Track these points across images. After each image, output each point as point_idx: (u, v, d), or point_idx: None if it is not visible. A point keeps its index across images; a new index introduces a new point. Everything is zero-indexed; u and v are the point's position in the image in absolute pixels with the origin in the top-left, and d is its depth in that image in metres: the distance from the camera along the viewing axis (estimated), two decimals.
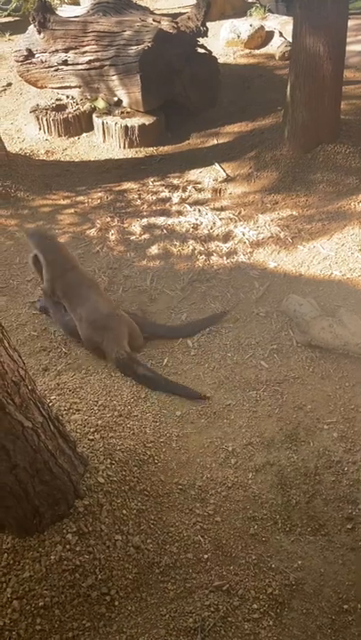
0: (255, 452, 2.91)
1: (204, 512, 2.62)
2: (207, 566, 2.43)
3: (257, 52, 7.26)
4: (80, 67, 5.94)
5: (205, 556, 2.46)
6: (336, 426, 3.02)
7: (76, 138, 5.96)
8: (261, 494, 2.71)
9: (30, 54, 6.20)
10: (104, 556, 2.34)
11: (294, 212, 4.67)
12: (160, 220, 4.66)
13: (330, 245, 4.28)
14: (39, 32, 6.06)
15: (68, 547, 2.31)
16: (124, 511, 2.48)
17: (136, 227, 4.62)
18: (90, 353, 3.51)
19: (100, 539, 2.36)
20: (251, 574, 2.42)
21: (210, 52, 6.09)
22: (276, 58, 7.00)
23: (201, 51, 6.03)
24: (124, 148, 5.75)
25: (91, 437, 2.75)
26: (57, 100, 6.23)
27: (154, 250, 4.37)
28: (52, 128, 5.93)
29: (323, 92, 4.77)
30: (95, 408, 3.03)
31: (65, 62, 6.01)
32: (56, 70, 6.13)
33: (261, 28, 7.35)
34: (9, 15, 8.43)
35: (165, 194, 5.03)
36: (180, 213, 4.77)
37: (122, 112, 5.84)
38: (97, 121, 5.81)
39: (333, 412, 3.10)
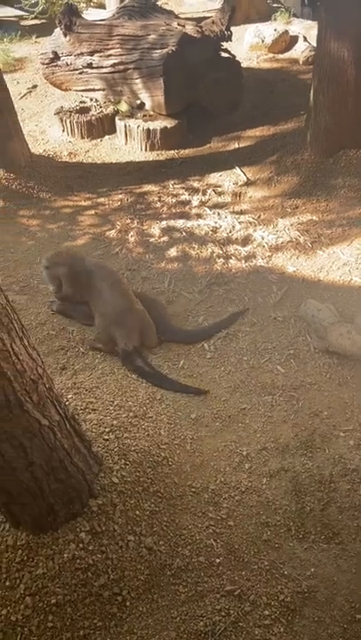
0: (270, 457, 2.90)
1: (218, 516, 2.61)
2: (219, 570, 2.43)
3: (281, 56, 7.24)
4: (104, 70, 5.99)
5: (217, 560, 2.45)
6: (353, 433, 2.99)
7: (99, 140, 6.01)
8: (275, 500, 2.69)
9: (56, 57, 6.28)
10: (116, 556, 2.35)
11: (314, 217, 4.64)
12: (179, 223, 4.68)
13: (350, 251, 4.25)
14: (65, 35, 6.13)
15: (81, 545, 2.32)
16: (138, 512, 2.49)
17: (155, 229, 4.64)
18: (103, 347, 3.55)
19: (112, 538, 2.38)
20: (263, 580, 2.40)
21: (233, 56, 6.10)
22: (300, 62, 6.97)
23: (224, 55, 6.04)
24: (146, 150, 5.78)
25: (106, 437, 2.77)
26: (81, 102, 6.29)
27: (172, 252, 4.39)
28: (76, 130, 5.99)
29: (346, 97, 4.74)
30: (111, 408, 3.05)
31: (90, 65, 6.07)
32: (81, 73, 6.20)
33: (286, 32, 7.33)
34: (35, 18, 8.54)
35: (185, 197, 5.04)
36: (199, 216, 4.77)
37: (144, 115, 5.88)
38: (119, 124, 5.85)
39: (350, 420, 3.07)
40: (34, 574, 2.28)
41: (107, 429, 2.82)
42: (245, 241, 4.45)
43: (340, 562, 2.47)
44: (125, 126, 5.77)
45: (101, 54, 5.97)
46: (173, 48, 5.50)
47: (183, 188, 5.19)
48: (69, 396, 3.11)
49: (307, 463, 2.86)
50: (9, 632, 2.21)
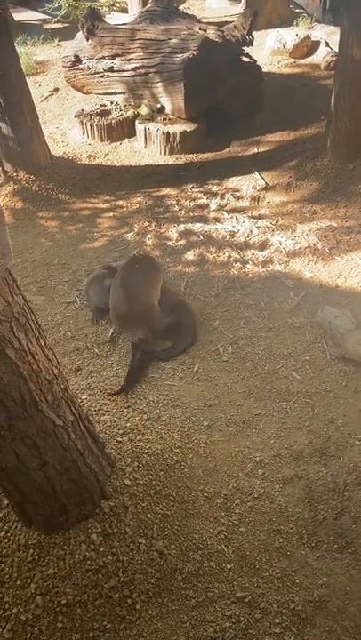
0: (283, 463, 2.88)
1: (229, 521, 2.60)
2: (230, 576, 2.41)
3: (302, 61, 7.23)
4: (125, 73, 6.03)
5: (228, 566, 2.44)
6: None
7: (119, 143, 6.05)
8: (288, 507, 2.67)
9: (78, 60, 6.34)
10: (127, 559, 2.34)
11: (333, 223, 4.61)
12: (197, 227, 4.68)
13: None
14: (87, 39, 6.19)
15: (92, 547, 2.33)
16: (149, 515, 2.49)
17: (173, 232, 4.64)
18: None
19: (123, 541, 2.38)
20: (274, 588, 2.38)
21: (254, 61, 6.10)
22: (321, 68, 6.95)
23: (246, 59, 6.04)
24: (165, 154, 5.80)
25: (119, 439, 2.77)
26: (101, 105, 6.34)
27: (189, 256, 4.39)
28: (96, 133, 6.04)
29: None
30: (125, 410, 3.06)
31: (111, 69, 6.11)
32: (102, 76, 6.25)
33: (307, 37, 7.31)
34: (58, 21, 8.63)
35: (203, 200, 5.04)
36: (217, 220, 4.77)
37: (164, 119, 5.90)
38: (139, 127, 5.88)
39: None
40: (45, 574, 2.29)
41: (120, 431, 2.83)
42: (263, 246, 4.43)
43: (352, 572, 2.44)
44: (145, 129, 5.80)
45: (123, 58, 6.01)
46: (195, 52, 5.51)
47: (202, 191, 5.20)
48: (84, 397, 3.13)
49: (321, 471, 2.83)
50: (19, 631, 2.21)
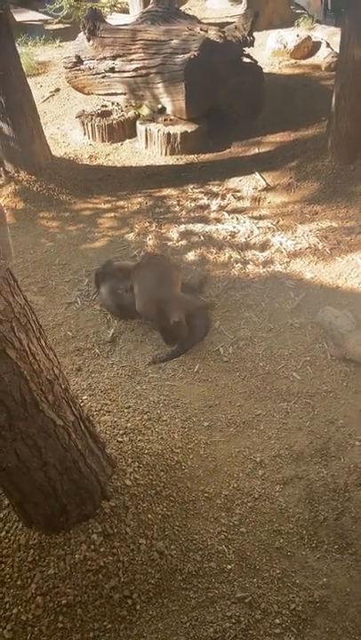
0: (284, 464, 2.88)
1: (230, 522, 2.60)
2: (230, 577, 2.41)
3: (303, 62, 7.23)
4: (126, 74, 6.03)
5: (229, 567, 2.44)
6: None
7: (119, 144, 6.05)
8: (288, 508, 2.67)
9: (79, 61, 6.34)
10: (127, 559, 2.35)
11: (334, 224, 4.61)
12: (198, 227, 4.68)
13: None
14: (88, 39, 6.19)
15: (92, 547, 2.33)
16: (150, 515, 2.49)
17: (174, 232, 4.65)
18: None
19: (124, 541, 2.38)
20: (274, 588, 2.38)
21: (255, 62, 6.10)
22: (322, 68, 6.94)
23: (246, 60, 6.04)
24: (166, 154, 5.80)
25: (120, 439, 2.77)
26: (102, 106, 6.35)
27: (190, 256, 4.39)
28: (97, 133, 6.04)
29: None
30: (125, 410, 3.06)
31: (112, 69, 6.12)
32: (103, 77, 6.25)
33: (308, 38, 7.31)
34: (60, 22, 8.63)
35: (204, 201, 5.05)
36: (218, 221, 4.77)
37: (165, 119, 5.90)
38: (140, 127, 5.88)
39: None
40: (45, 574, 2.29)
41: (121, 432, 2.83)
42: (264, 246, 4.43)
43: (353, 572, 2.44)
44: (146, 130, 5.81)
45: (124, 59, 6.01)
46: (196, 53, 5.51)
47: (202, 192, 5.20)
48: (84, 398, 3.13)
49: (321, 471, 2.83)
50: (19, 631, 2.22)
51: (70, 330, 3.79)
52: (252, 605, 2.32)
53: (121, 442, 2.76)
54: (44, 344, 2.08)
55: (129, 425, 2.90)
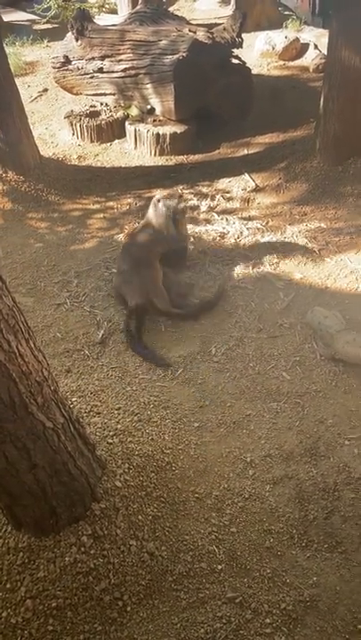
0: (274, 464, 2.89)
1: (220, 522, 2.60)
2: (221, 577, 2.41)
3: (291, 63, 7.26)
4: (115, 74, 6.02)
5: (219, 567, 2.44)
6: (357, 442, 2.98)
7: (108, 144, 6.04)
8: (278, 507, 2.68)
9: (67, 61, 6.32)
10: (118, 561, 2.34)
11: (323, 225, 4.64)
12: (188, 228, 4.67)
13: (358, 259, 4.24)
14: (77, 39, 6.17)
15: (82, 549, 2.32)
16: (140, 517, 2.48)
17: None
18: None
19: (114, 543, 2.37)
20: (265, 588, 2.39)
21: (244, 63, 6.11)
22: (310, 70, 6.98)
23: (235, 61, 6.06)
24: (155, 155, 5.80)
25: (110, 441, 2.77)
26: (91, 106, 6.32)
27: None
28: (85, 134, 6.02)
29: (356, 105, 4.74)
30: (115, 412, 3.05)
31: (100, 70, 6.10)
32: (91, 77, 6.23)
33: (296, 39, 7.34)
34: (48, 22, 8.60)
35: (194, 202, 5.05)
36: (207, 222, 4.78)
37: (154, 120, 5.90)
38: (129, 128, 5.87)
39: (355, 428, 3.06)
40: (35, 577, 2.27)
41: (111, 433, 2.82)
42: (253, 247, 4.44)
43: (342, 571, 2.45)
44: (135, 131, 5.80)
45: (112, 59, 6.00)
46: (184, 54, 5.52)
47: (192, 193, 5.20)
48: (74, 399, 3.11)
49: (311, 471, 2.84)
50: (9, 635, 2.20)
51: (59, 331, 3.78)
52: (243, 605, 2.33)
53: (111, 443, 2.75)
54: (32, 345, 2.06)
55: (119, 426, 2.89)
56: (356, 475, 2.80)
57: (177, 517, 2.58)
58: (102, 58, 6.06)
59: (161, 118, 5.90)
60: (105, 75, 6.11)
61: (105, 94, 6.29)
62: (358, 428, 3.06)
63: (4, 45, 5.27)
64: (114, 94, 6.21)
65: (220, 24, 6.21)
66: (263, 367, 3.45)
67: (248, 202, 5.04)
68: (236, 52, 6.01)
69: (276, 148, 5.59)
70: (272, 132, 5.84)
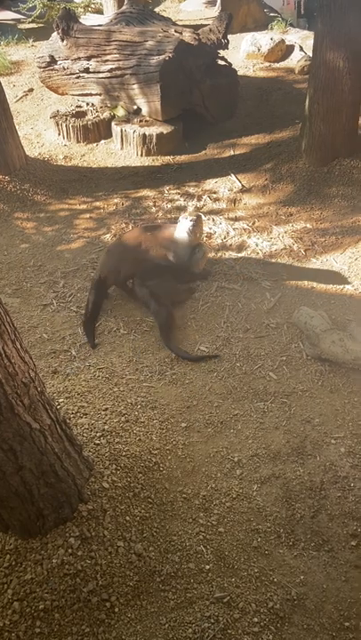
0: (261, 463, 2.90)
1: (208, 522, 2.60)
2: (208, 577, 2.42)
3: (277, 65, 7.31)
4: (101, 75, 6.01)
5: (207, 567, 2.44)
6: (344, 441, 3.00)
7: (95, 144, 6.02)
8: (266, 507, 2.69)
9: (53, 61, 6.29)
10: (106, 562, 2.33)
11: (308, 225, 4.67)
12: None
13: (343, 259, 4.28)
14: (62, 39, 6.15)
15: (70, 551, 2.31)
16: (128, 518, 2.48)
17: None
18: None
19: (102, 544, 2.36)
20: (252, 587, 2.40)
21: (230, 64, 6.14)
22: (296, 72, 7.03)
23: (221, 62, 6.08)
24: (142, 155, 5.80)
25: (97, 442, 2.76)
26: (77, 106, 6.31)
27: None
28: (72, 134, 6.00)
29: (341, 107, 4.78)
30: (102, 413, 3.04)
31: (87, 70, 6.09)
32: (77, 77, 6.21)
33: (282, 41, 7.39)
34: (33, 22, 8.56)
35: (181, 202, 5.06)
36: None
37: (140, 120, 5.89)
38: (115, 128, 5.86)
39: (341, 427, 3.08)
40: (22, 579, 2.26)
41: (98, 434, 2.81)
42: (240, 247, 4.46)
43: (329, 569, 2.47)
44: (122, 131, 5.79)
45: (98, 59, 5.99)
46: (170, 55, 5.53)
47: (179, 193, 5.21)
48: (61, 400, 3.10)
49: (298, 470, 2.86)
50: None
51: (46, 332, 3.76)
52: (231, 605, 2.33)
53: (98, 444, 2.74)
54: (19, 346, 2.05)
55: (106, 427, 2.89)
56: (343, 473, 2.83)
57: (165, 518, 2.58)
58: (88, 58, 6.05)
59: (147, 119, 5.90)
60: (91, 75, 6.09)
61: (91, 94, 6.28)
62: (344, 426, 3.08)
63: None
64: (100, 94, 6.20)
65: (206, 25, 6.23)
66: (250, 367, 3.46)
67: (235, 202, 5.06)
68: (222, 53, 6.04)
69: (262, 149, 5.62)
70: (258, 134, 5.87)
